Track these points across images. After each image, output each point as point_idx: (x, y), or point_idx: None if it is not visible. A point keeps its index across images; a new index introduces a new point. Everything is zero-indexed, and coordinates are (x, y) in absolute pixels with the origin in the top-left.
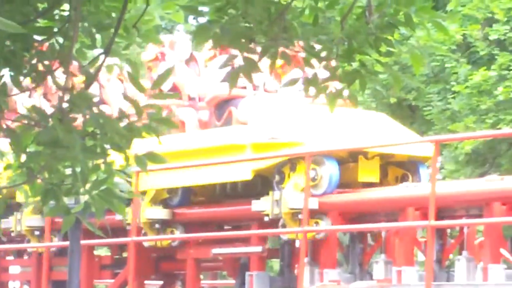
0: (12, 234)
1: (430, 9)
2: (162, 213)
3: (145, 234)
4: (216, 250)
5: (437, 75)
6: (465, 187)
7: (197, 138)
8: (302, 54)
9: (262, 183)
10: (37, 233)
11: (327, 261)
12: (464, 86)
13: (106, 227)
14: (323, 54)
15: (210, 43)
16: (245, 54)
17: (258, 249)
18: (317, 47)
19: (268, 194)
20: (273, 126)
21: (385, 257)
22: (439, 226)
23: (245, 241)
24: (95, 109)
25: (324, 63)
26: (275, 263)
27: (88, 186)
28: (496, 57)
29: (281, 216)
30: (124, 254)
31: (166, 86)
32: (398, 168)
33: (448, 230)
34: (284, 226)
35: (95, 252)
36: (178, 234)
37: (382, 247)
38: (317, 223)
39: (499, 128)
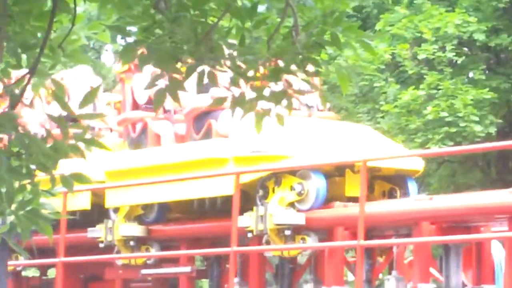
0: None
1: (356, 29)
2: (137, 229)
3: (118, 252)
4: (145, 271)
5: (366, 94)
6: (395, 207)
7: (174, 151)
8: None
9: (242, 199)
10: None
11: (257, 281)
12: (393, 105)
13: (33, 247)
14: (250, 73)
15: None
16: (171, 74)
17: (187, 269)
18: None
19: (251, 209)
20: (256, 139)
21: (315, 277)
22: (368, 246)
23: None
24: (20, 129)
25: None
26: (205, 283)
27: (14, 206)
28: (424, 76)
29: (266, 232)
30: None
31: (141, 99)
32: (385, 182)
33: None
34: (268, 242)
35: (24, 273)
36: (154, 252)
37: (311, 267)
38: (303, 239)
39: (428, 148)
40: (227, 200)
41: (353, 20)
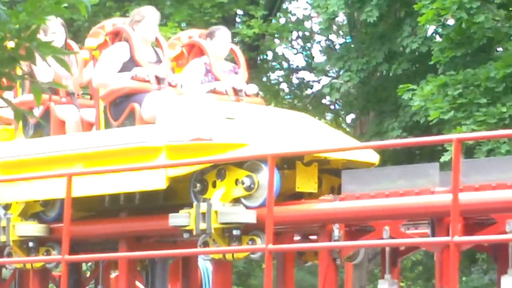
0: None
1: (51, 45)
2: (36, 229)
3: (9, 255)
4: None
5: None
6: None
7: (89, 139)
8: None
9: (165, 194)
10: None
11: None
12: None
13: None
14: None
15: None
16: None
17: None
18: None
19: (190, 206)
20: (194, 125)
21: None
22: (73, 260)
23: None
24: None
25: None
26: None
27: None
28: None
29: (210, 232)
30: None
31: (46, 78)
32: (334, 176)
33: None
34: (207, 244)
35: None
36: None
37: (16, 281)
38: (253, 240)
39: None
40: (147, 195)
41: None
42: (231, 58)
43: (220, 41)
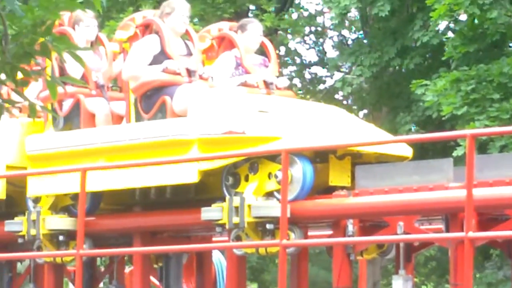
0: None
1: (66, 40)
2: (67, 222)
3: (39, 249)
4: None
5: None
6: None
7: (122, 132)
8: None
9: (197, 188)
10: None
11: None
12: None
13: None
14: None
15: None
16: None
17: None
18: None
19: (223, 200)
20: (226, 117)
21: (35, 287)
22: (88, 255)
23: None
24: None
25: None
26: None
27: None
28: None
29: (243, 226)
30: None
31: (77, 73)
32: None
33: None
34: (239, 238)
35: None
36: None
37: (31, 276)
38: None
39: None
40: (180, 189)
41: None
42: (262, 51)
43: (251, 34)
